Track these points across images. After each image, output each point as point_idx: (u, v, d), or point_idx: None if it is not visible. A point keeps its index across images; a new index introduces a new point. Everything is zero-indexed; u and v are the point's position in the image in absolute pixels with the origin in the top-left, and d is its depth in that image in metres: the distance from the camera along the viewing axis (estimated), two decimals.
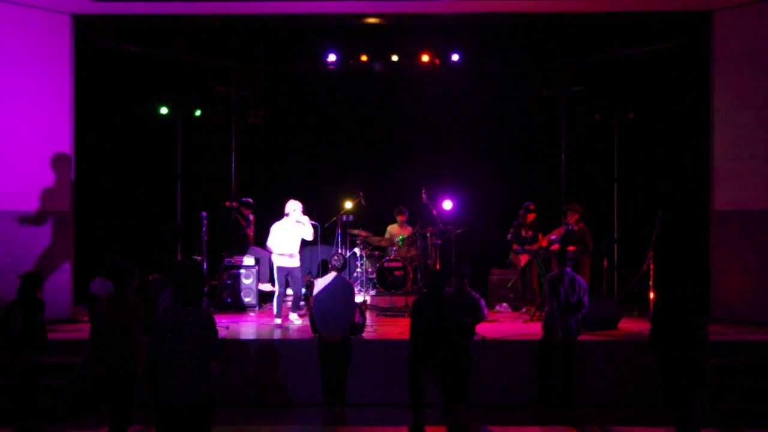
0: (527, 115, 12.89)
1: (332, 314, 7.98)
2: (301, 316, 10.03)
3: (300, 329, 9.34)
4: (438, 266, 11.53)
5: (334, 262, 8.26)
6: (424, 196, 11.65)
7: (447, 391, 7.35)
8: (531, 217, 11.00)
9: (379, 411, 7.95)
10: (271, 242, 9.99)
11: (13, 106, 9.97)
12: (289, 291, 10.45)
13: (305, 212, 10.08)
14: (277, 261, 9.98)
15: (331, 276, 8.17)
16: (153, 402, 5.29)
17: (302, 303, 10.56)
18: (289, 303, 10.45)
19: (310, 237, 10.10)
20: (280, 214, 10.09)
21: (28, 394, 7.05)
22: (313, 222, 10.19)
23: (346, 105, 13.52)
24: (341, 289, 8.07)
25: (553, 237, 10.59)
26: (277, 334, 9.11)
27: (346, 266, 8.65)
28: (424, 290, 8.77)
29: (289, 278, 10.03)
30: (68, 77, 10.29)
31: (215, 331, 5.28)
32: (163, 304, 6.50)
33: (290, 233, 9.96)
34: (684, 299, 6.02)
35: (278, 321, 9.77)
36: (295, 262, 9.99)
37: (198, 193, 12.59)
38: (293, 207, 9.99)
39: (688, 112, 11.31)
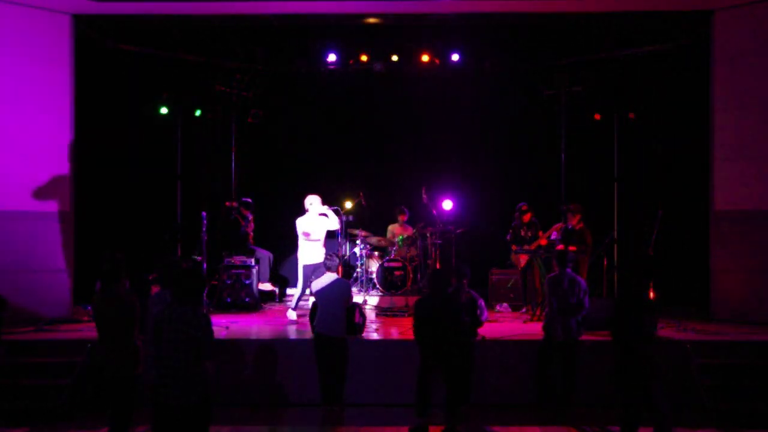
0: (527, 115, 12.90)
1: (329, 314, 7.98)
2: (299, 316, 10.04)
3: (300, 329, 9.35)
4: (438, 266, 11.51)
5: (327, 262, 8.27)
6: (424, 196, 11.64)
7: (450, 391, 7.34)
8: (527, 217, 10.97)
9: (378, 411, 7.95)
10: (304, 228, 9.90)
11: (12, 105, 9.95)
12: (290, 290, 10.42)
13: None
14: (303, 259, 10.00)
15: (327, 276, 8.18)
16: (152, 402, 5.27)
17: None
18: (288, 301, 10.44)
19: (336, 226, 10.21)
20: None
21: None
22: (334, 207, 10.29)
23: (346, 105, 13.51)
24: (337, 289, 8.06)
25: (553, 236, 10.58)
26: (277, 334, 9.11)
27: (339, 265, 8.66)
28: (425, 290, 8.76)
29: (313, 276, 9.63)
30: (68, 77, 10.28)
31: (211, 332, 5.26)
32: (155, 305, 6.43)
33: (315, 227, 10.00)
34: (633, 295, 6.49)
35: (293, 316, 9.86)
36: (320, 258, 9.81)
37: (198, 193, 12.58)
38: (310, 201, 10.04)
39: (688, 112, 11.31)
